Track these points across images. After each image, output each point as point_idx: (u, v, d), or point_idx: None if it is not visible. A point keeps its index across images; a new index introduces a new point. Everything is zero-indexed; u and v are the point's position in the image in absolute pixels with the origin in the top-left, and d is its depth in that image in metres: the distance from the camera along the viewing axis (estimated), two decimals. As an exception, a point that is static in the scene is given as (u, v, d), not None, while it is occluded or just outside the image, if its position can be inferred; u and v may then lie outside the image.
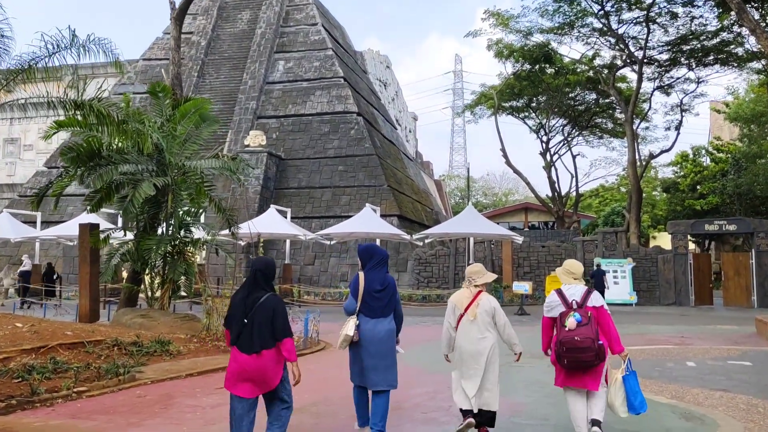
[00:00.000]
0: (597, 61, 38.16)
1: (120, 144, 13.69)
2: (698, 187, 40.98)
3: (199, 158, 15.17)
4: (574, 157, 46.17)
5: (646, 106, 39.63)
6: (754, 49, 32.72)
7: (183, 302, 21.41)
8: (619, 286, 25.38)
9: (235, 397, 4.99)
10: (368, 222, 23.75)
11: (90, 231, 15.11)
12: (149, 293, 14.68)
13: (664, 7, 32.43)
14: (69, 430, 6.06)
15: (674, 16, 32.55)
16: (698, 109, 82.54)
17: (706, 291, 25.95)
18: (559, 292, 5.75)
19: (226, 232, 20.97)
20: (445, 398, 7.57)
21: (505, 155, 40.74)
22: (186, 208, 14.82)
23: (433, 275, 27.92)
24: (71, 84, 12.33)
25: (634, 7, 32.65)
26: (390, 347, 5.79)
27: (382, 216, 26.74)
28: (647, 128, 44.27)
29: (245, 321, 4.96)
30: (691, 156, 44.19)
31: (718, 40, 32.97)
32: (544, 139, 45.52)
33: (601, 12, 33.01)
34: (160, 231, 14.36)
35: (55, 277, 25.53)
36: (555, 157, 46.00)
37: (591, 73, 39.06)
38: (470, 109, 46.97)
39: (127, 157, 13.86)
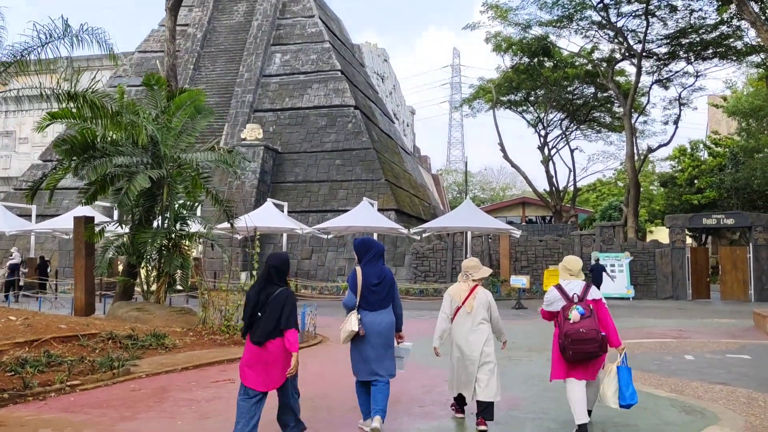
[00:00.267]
0: (596, 55, 38.04)
1: (114, 136, 13.55)
2: (696, 181, 40.94)
3: (194, 151, 15.05)
4: (572, 151, 46.11)
5: (644, 100, 39.55)
6: (753, 43, 32.64)
7: (179, 296, 21.32)
8: (617, 280, 25.32)
9: (244, 388, 5.13)
10: (366, 216, 23.65)
11: (85, 224, 15.00)
12: (145, 286, 14.58)
13: (663, -1, 32.33)
14: (61, 423, 5.97)
15: (673, 9, 32.41)
16: (696, 103, 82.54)
17: (703, 285, 25.95)
18: (559, 287, 5.94)
19: (223, 225, 20.93)
20: (442, 392, 7.50)
21: (503, 149, 40.65)
22: (182, 201, 14.70)
23: (430, 269, 27.86)
24: (64, 76, 12.19)
25: (633, -1, 32.53)
26: (390, 338, 5.88)
27: (380, 210, 26.64)
28: (645, 122, 44.24)
29: (258, 314, 5.16)
30: (688, 150, 44.14)
31: (717, 33, 32.86)
32: (542, 133, 45.43)
33: (600, 5, 32.86)
34: (155, 224, 14.25)
35: (48, 270, 25.42)
36: (553, 152, 45.94)
37: (589, 67, 38.93)
38: (468, 103, 46.82)
39: (122, 149, 13.73)
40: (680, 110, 39.02)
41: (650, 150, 39.71)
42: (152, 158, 13.96)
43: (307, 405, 6.32)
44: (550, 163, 44.85)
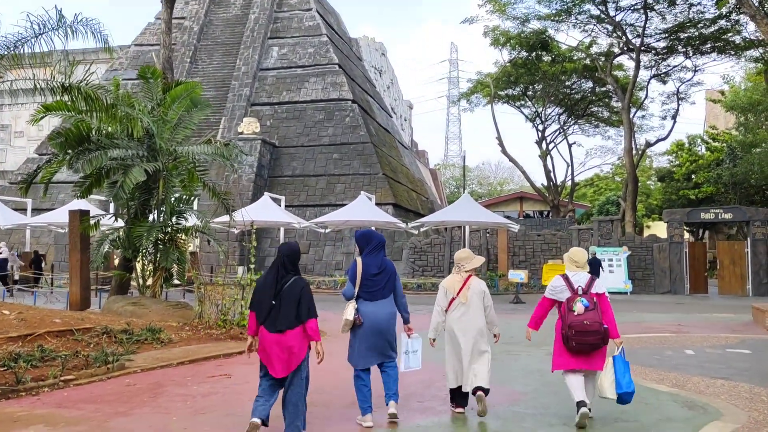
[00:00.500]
0: (594, 49, 37.93)
1: (110, 129, 13.41)
2: (693, 176, 40.89)
3: (191, 144, 14.92)
4: (570, 145, 46.04)
5: (642, 94, 39.47)
6: (752, 37, 32.54)
7: (176, 290, 21.21)
8: (615, 275, 25.30)
9: (266, 369, 5.34)
10: (363, 210, 23.54)
11: (80, 217, 14.86)
12: (141, 281, 14.46)
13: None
14: (54, 419, 5.86)
15: (672, 2, 32.30)
16: (694, 97, 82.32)
17: (701, 279, 25.94)
18: (565, 277, 6.07)
19: (220, 219, 20.80)
20: (441, 387, 7.41)
21: (501, 143, 40.55)
22: (178, 195, 14.57)
23: (428, 264, 27.79)
24: (59, 68, 12.04)
25: (632, -7, 32.41)
26: (391, 328, 5.94)
27: (377, 204, 26.53)
28: (643, 117, 44.19)
29: (273, 303, 5.29)
30: (686, 145, 44.08)
31: (715, 27, 32.75)
32: (540, 127, 45.34)
33: (599, -2, 32.75)
34: (151, 218, 14.12)
35: (43, 264, 25.30)
36: (551, 146, 45.86)
37: (588, 61, 38.81)
38: (466, 97, 46.68)
39: (117, 142, 13.59)
40: (678, 105, 39.00)
41: (648, 144, 39.67)
42: (148, 151, 13.83)
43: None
44: (548, 157, 44.77)
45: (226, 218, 17.81)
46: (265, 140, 31.73)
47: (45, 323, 9.79)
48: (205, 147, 14.45)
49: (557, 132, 46.39)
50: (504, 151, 40.98)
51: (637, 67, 33.78)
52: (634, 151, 35.18)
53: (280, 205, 25.88)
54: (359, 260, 5.98)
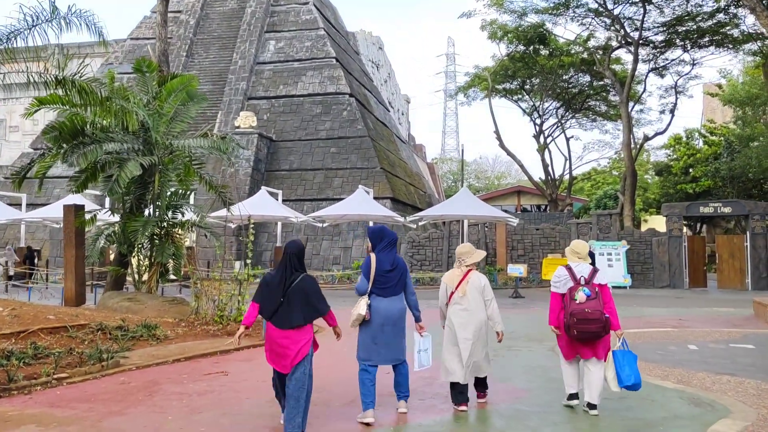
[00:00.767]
0: (592, 43, 37.74)
1: (105, 122, 13.22)
2: (691, 170, 40.80)
3: (187, 137, 14.73)
4: (567, 139, 45.94)
5: (640, 88, 39.30)
6: (750, 31, 32.37)
7: (172, 285, 21.03)
8: (614, 269, 25.18)
9: (276, 371, 5.47)
10: (361, 204, 23.37)
11: (75, 212, 14.67)
12: (136, 276, 14.29)
13: (661, -14, 32.00)
14: (46, 419, 5.71)
15: (671, -5, 32.10)
16: (692, 91, 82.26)
17: (700, 273, 25.83)
18: (568, 268, 6.22)
19: (217, 213, 20.62)
20: (443, 384, 7.25)
21: (498, 137, 40.40)
22: (174, 189, 14.40)
23: (426, 258, 27.65)
24: (53, 61, 11.86)
25: (630, -14, 32.19)
26: (401, 324, 5.99)
27: (375, 198, 26.37)
28: (641, 111, 44.05)
29: (282, 300, 5.36)
30: (684, 139, 43.97)
31: (714, 21, 32.57)
32: (538, 121, 45.22)
33: (597, -9, 32.54)
34: (147, 212, 13.95)
35: (36, 260, 25.12)
36: (549, 140, 45.72)
37: (585, 55, 38.64)
38: (464, 91, 46.48)
39: (112, 135, 13.40)
40: (676, 98, 38.86)
41: (646, 138, 39.53)
42: (144, 145, 13.65)
43: (316, 398, 6.09)
44: (546, 151, 44.64)
45: (222, 212, 17.65)
46: (262, 134, 31.52)
47: (39, 320, 9.63)
48: (201, 140, 14.27)
49: (555, 126, 46.27)
50: (502, 145, 40.83)
51: (636, 61, 33.59)
52: (632, 145, 35.04)
53: (277, 200, 25.71)
54: (373, 256, 6.01)
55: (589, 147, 78.00)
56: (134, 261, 14.50)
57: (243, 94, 34.42)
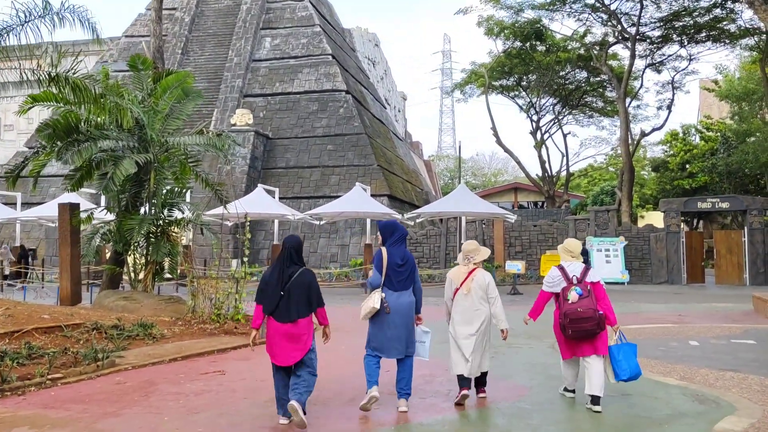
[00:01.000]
0: (588, 38, 37.63)
1: (99, 119, 13.08)
2: (687, 166, 40.77)
3: (183, 135, 14.59)
4: (564, 135, 45.86)
5: (637, 84, 39.25)
6: (747, 26, 32.33)
7: (169, 284, 20.90)
8: (611, 265, 25.14)
9: (276, 366, 5.52)
10: (358, 201, 23.24)
11: (70, 211, 14.53)
12: (132, 275, 14.16)
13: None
14: (39, 421, 5.60)
15: (668, -9, 32.03)
16: (688, 87, 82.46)
17: (698, 269, 25.81)
18: (561, 268, 6.29)
19: (213, 212, 20.49)
20: (443, 382, 7.19)
21: (495, 134, 40.29)
22: (170, 187, 14.26)
23: (423, 255, 27.57)
24: (45, 57, 11.69)
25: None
26: (411, 318, 6.04)
27: (372, 196, 26.23)
28: (638, 107, 43.98)
29: (281, 293, 5.45)
30: (680, 135, 43.94)
31: (710, 16, 32.52)
32: (535, 118, 45.12)
33: (594, -14, 32.45)
34: (143, 210, 13.82)
35: (30, 259, 24.97)
36: (545, 136, 45.64)
37: (582, 51, 38.54)
38: (460, 87, 46.36)
39: (107, 133, 13.25)
40: (673, 94, 38.83)
41: (644, 134, 39.51)
42: (139, 142, 13.51)
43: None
44: (543, 148, 44.57)
45: (219, 210, 17.51)
46: (259, 132, 31.38)
47: (33, 319, 9.50)
48: (197, 137, 14.14)
49: (552, 122, 46.19)
50: (499, 142, 40.74)
51: (633, 56, 33.52)
52: (629, 141, 34.98)
53: (274, 197, 25.57)
54: (384, 250, 6.06)
55: (585, 143, 77.81)
56: (130, 259, 14.37)
57: (239, 92, 34.26)
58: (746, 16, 32.19)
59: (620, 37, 34.97)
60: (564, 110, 45.73)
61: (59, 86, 11.56)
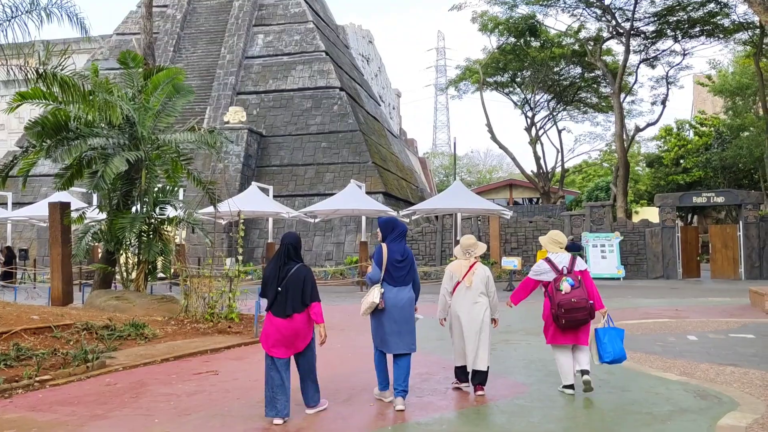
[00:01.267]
0: (583, 34, 37.58)
1: (89, 117, 12.88)
2: (682, 161, 40.78)
3: (174, 132, 14.40)
4: (559, 132, 45.83)
5: (631, 79, 39.23)
6: (741, 20, 32.29)
7: (162, 283, 20.72)
8: (607, 260, 25.09)
9: (271, 360, 5.53)
10: (353, 199, 23.08)
11: (61, 210, 14.35)
12: (125, 274, 13.98)
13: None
14: (26, 424, 5.43)
15: (661, -15, 31.96)
16: (682, 82, 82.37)
17: (693, 264, 25.77)
18: (548, 260, 6.43)
19: (206, 210, 20.29)
20: (440, 380, 7.07)
21: (490, 130, 40.21)
22: (161, 185, 14.09)
23: (419, 252, 27.44)
24: (31, 53, 11.51)
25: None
26: (410, 313, 6.09)
27: (367, 193, 26.08)
28: (633, 102, 43.98)
29: (279, 289, 5.55)
30: (674, 130, 43.94)
31: (704, 11, 32.49)
32: (529, 114, 45.05)
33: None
34: (134, 209, 13.64)
35: (17, 260, 24.75)
36: (540, 133, 45.58)
37: (576, 46, 38.49)
38: (454, 84, 46.26)
39: (97, 130, 13.07)
40: (668, 89, 38.82)
41: (638, 129, 39.48)
42: (129, 140, 13.33)
43: (299, 398, 5.85)
44: (538, 144, 44.50)
45: (212, 209, 17.34)
46: (252, 129, 31.16)
47: (22, 320, 9.33)
48: (188, 134, 13.95)
49: (546, 118, 46.14)
50: (493, 138, 40.65)
51: (627, 51, 33.47)
52: (624, 137, 34.93)
53: (268, 195, 25.39)
54: (384, 246, 6.10)
55: (580, 139, 77.74)
56: (122, 259, 14.19)
57: (232, 89, 34.03)
58: (740, 10, 32.16)
59: (614, 33, 34.91)
60: (558, 106, 45.69)
61: (47, 83, 11.37)
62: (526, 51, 39.14)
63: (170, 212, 14.31)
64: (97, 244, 15.13)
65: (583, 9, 34.97)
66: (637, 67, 37.90)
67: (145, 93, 13.73)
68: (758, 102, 36.61)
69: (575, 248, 23.02)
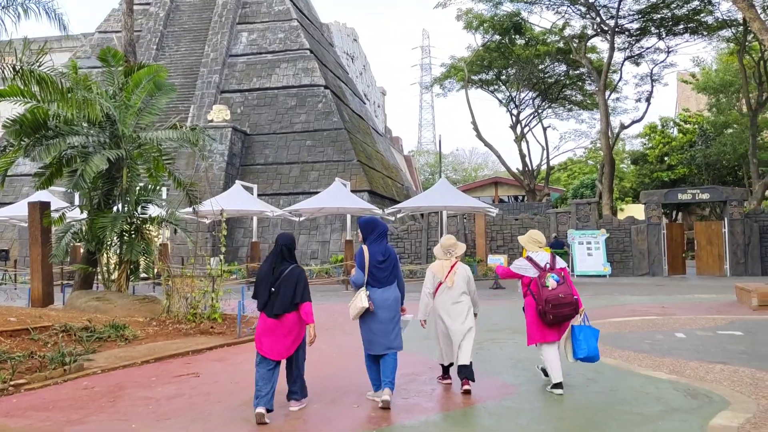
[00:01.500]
0: (567, 31, 37.62)
1: (68, 114, 12.62)
2: (666, 158, 41.00)
3: (156, 130, 14.15)
4: (544, 129, 45.90)
5: (616, 77, 39.35)
6: (725, 17, 32.48)
7: (145, 284, 20.43)
8: (593, 258, 25.12)
9: (261, 357, 5.56)
10: (338, 197, 22.91)
11: (41, 210, 14.06)
12: (106, 274, 13.72)
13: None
14: (-2, 431, 5.25)
15: (646, -18, 32.05)
16: (667, 79, 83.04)
17: (679, 261, 25.86)
18: (529, 258, 6.50)
19: (189, 209, 20.03)
20: (425, 381, 6.94)
21: (475, 127, 40.16)
22: (143, 184, 13.84)
23: (405, 251, 27.34)
24: (11, 51, 11.25)
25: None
26: (396, 313, 6.07)
27: (352, 191, 25.92)
28: (617, 99, 44.14)
29: (272, 290, 5.57)
30: (659, 127, 44.17)
31: (688, 8, 32.64)
32: (514, 112, 45.07)
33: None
34: (116, 208, 13.38)
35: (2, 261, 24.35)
36: (525, 130, 45.62)
37: (561, 44, 38.53)
38: (439, 82, 46.15)
39: (76, 128, 12.80)
40: (652, 87, 38.96)
41: (623, 127, 39.63)
42: (110, 138, 13.07)
43: (283, 400, 5.69)
44: (523, 141, 44.54)
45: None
46: (236, 128, 30.88)
47: (-2, 322, 9.09)
48: (170, 132, 13.70)
49: (531, 116, 46.19)
50: (479, 136, 40.61)
51: (612, 48, 33.54)
52: (609, 134, 35.03)
53: (252, 194, 25.14)
54: (365, 248, 6.06)
55: (565, 137, 78.09)
56: (104, 259, 13.93)
57: (216, 88, 33.71)
58: (724, 7, 32.50)
59: (599, 30, 34.98)
60: (543, 104, 45.76)
61: (25, 80, 11.13)
62: (510, 49, 39.14)
63: (153, 211, 14.07)
64: (77, 243, 14.83)
65: (568, 6, 35.02)
66: (622, 64, 38.03)
67: (126, 90, 13.47)
68: (741, 99, 36.90)
69: (559, 245, 23.11)
